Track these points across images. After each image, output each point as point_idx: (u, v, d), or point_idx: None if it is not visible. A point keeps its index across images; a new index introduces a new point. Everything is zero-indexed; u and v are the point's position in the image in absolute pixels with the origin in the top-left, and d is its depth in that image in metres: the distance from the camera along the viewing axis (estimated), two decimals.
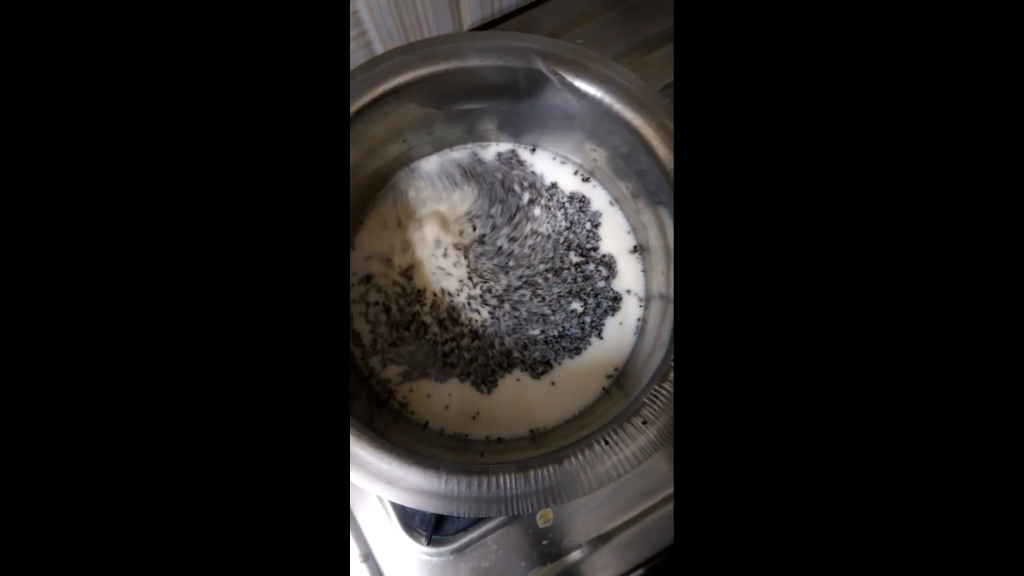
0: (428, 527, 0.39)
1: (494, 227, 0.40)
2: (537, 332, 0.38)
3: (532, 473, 0.27)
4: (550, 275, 0.39)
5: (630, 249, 0.40)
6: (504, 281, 0.39)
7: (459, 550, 0.39)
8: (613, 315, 0.39)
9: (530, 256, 0.39)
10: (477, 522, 0.40)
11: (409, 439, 0.30)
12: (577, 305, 0.39)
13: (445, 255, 0.39)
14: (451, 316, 0.38)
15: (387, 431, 0.29)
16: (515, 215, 0.40)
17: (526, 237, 0.40)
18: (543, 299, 0.39)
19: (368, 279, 0.39)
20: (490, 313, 0.38)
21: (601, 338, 0.38)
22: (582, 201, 0.40)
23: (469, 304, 0.39)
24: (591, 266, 0.39)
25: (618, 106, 0.32)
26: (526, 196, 0.40)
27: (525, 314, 0.38)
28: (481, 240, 0.40)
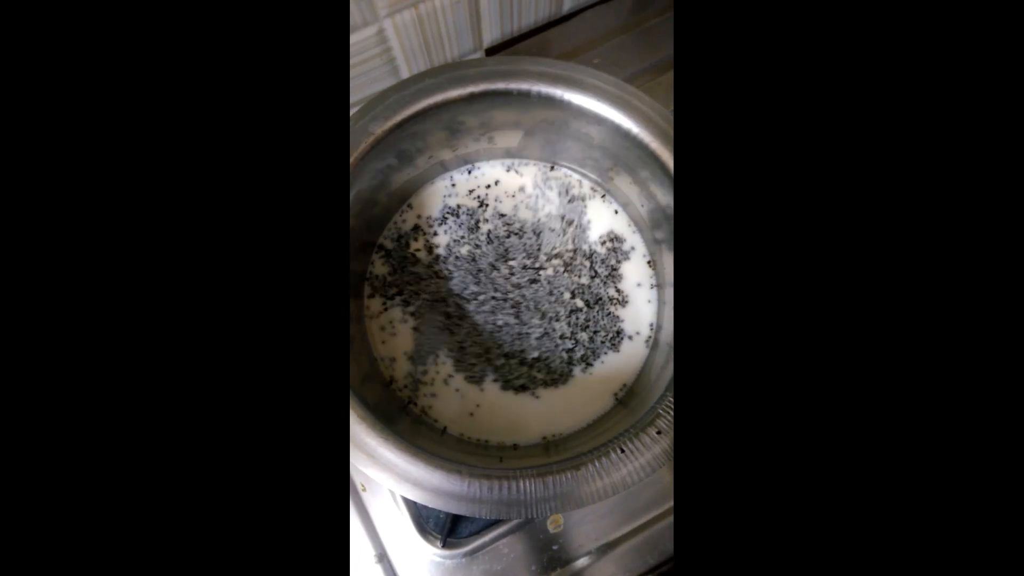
0: (443, 530, 0.40)
1: (507, 247, 0.41)
2: (524, 348, 0.39)
3: (550, 478, 0.29)
4: (553, 302, 0.40)
5: (648, 282, 0.41)
6: (502, 294, 0.40)
7: (471, 553, 0.41)
8: (615, 348, 0.40)
9: (540, 285, 0.40)
10: (490, 526, 0.41)
11: (431, 444, 0.31)
12: (580, 335, 0.40)
13: (462, 259, 0.41)
14: (461, 310, 0.40)
15: (410, 436, 0.31)
16: (538, 237, 0.41)
17: (543, 264, 0.41)
18: (538, 322, 0.40)
19: (393, 270, 0.40)
20: (492, 316, 0.40)
21: (590, 368, 0.39)
22: (611, 236, 0.42)
23: (471, 304, 0.40)
24: (600, 304, 0.40)
25: (636, 129, 0.34)
26: (547, 215, 0.42)
27: (526, 327, 0.39)
28: (494, 253, 0.41)
